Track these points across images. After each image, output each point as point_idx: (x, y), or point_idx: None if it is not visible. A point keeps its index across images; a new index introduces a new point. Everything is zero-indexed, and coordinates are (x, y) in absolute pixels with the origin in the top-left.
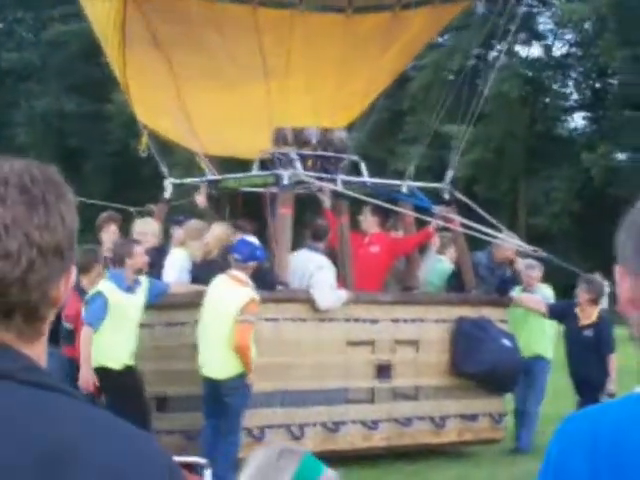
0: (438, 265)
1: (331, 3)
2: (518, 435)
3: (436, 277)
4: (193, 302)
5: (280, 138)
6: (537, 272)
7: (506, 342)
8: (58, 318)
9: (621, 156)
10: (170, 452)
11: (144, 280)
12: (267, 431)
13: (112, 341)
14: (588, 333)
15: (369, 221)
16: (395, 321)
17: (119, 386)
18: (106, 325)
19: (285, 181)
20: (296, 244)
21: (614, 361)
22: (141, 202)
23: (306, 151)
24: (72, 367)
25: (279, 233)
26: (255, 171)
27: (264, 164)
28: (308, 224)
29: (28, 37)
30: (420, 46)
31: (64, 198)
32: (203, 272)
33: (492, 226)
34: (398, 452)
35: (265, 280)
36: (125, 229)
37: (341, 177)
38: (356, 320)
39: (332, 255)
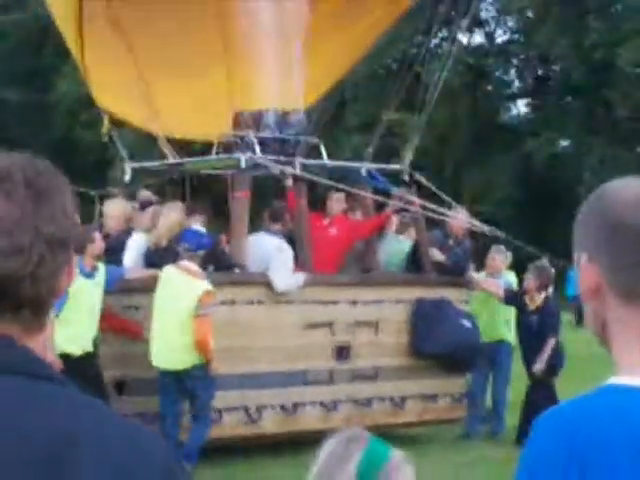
0: (398, 245)
1: None
2: (470, 422)
3: (396, 257)
4: (149, 286)
5: (239, 121)
6: (503, 258)
7: (465, 322)
8: None
9: (564, 143)
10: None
11: (101, 266)
12: (224, 413)
13: (73, 327)
14: (534, 319)
15: (338, 208)
16: (354, 303)
17: (79, 372)
18: (67, 311)
19: (242, 164)
20: (258, 227)
21: (551, 344)
22: (80, 199)
23: (264, 134)
24: None
25: (235, 216)
26: (214, 155)
27: (224, 147)
28: (267, 207)
29: None
30: (386, 26)
31: (65, 190)
32: (155, 259)
33: (449, 207)
34: None
35: (221, 262)
36: (86, 212)
37: (299, 160)
38: (314, 302)
39: (291, 237)
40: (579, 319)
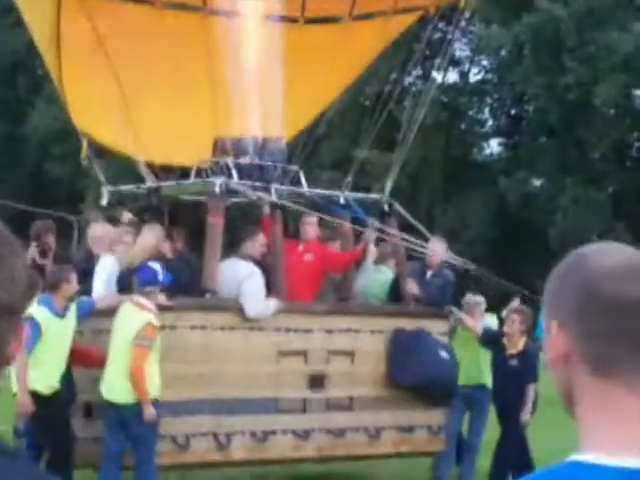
0: (378, 276)
1: (284, 14)
2: (442, 465)
3: (377, 288)
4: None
5: (219, 147)
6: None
7: (443, 354)
8: None
9: (537, 182)
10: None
11: (72, 305)
12: (192, 439)
13: (43, 366)
14: (514, 362)
15: (312, 232)
16: (329, 331)
17: (47, 412)
18: (37, 350)
19: (216, 189)
20: (233, 253)
21: (532, 391)
22: (58, 224)
23: (243, 160)
24: None
25: (209, 242)
26: (192, 180)
27: (202, 173)
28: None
29: None
30: (370, 58)
31: (15, 252)
32: (128, 281)
33: (426, 240)
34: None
35: (193, 288)
36: (65, 237)
37: (275, 186)
38: (288, 330)
39: (263, 263)
40: None
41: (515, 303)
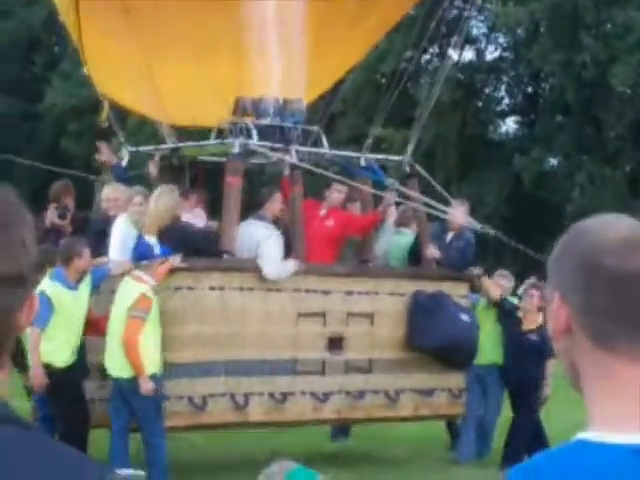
0: (399, 238)
1: None
2: (460, 443)
3: (397, 250)
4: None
5: (239, 108)
6: (507, 282)
7: (463, 316)
8: None
9: (553, 161)
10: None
11: (85, 276)
12: (209, 400)
13: (57, 340)
14: (533, 337)
15: (337, 198)
16: (348, 293)
17: (62, 385)
18: (51, 324)
19: (236, 149)
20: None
21: (552, 367)
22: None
23: (263, 121)
24: None
25: (226, 202)
26: (212, 140)
27: (222, 134)
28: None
29: None
30: (395, 20)
31: (24, 222)
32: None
33: (446, 202)
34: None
35: (210, 249)
36: (84, 199)
37: (295, 147)
38: (307, 291)
39: (282, 225)
40: None
41: (531, 280)
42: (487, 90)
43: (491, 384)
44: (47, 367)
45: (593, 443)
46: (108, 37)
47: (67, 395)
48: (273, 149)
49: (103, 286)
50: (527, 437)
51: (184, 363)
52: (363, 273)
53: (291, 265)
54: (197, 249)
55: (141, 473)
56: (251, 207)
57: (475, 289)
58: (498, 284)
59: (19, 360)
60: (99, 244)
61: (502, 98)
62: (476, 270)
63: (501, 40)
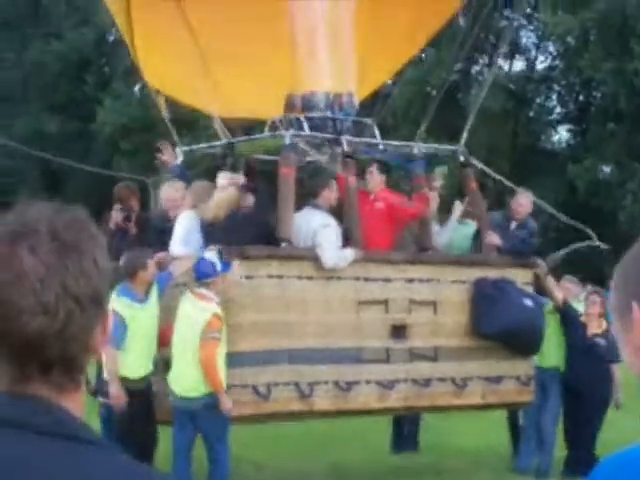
0: (462, 228)
1: None
2: (519, 452)
3: (460, 240)
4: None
5: (290, 104)
6: (574, 287)
7: (528, 302)
8: None
9: (605, 169)
10: None
11: (153, 288)
12: (273, 389)
13: (132, 354)
14: (601, 342)
15: (375, 180)
16: (410, 281)
17: (135, 398)
18: (128, 341)
19: (287, 141)
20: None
21: (618, 370)
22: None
23: (314, 113)
24: None
25: (281, 192)
26: (264, 134)
27: (275, 129)
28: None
29: (9, 57)
30: (449, 15)
31: (96, 242)
32: (218, 233)
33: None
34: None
35: (268, 238)
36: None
37: (346, 137)
38: (367, 279)
39: (336, 214)
40: None
41: (589, 287)
42: (538, 100)
43: (552, 392)
44: (124, 381)
45: None
46: (161, 32)
47: (140, 410)
48: (325, 140)
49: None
50: (591, 443)
51: (246, 352)
52: (423, 260)
53: (350, 253)
54: (259, 238)
55: None
56: (306, 198)
57: (541, 291)
58: (564, 287)
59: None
60: (160, 243)
61: (553, 107)
62: (541, 262)
63: (551, 49)
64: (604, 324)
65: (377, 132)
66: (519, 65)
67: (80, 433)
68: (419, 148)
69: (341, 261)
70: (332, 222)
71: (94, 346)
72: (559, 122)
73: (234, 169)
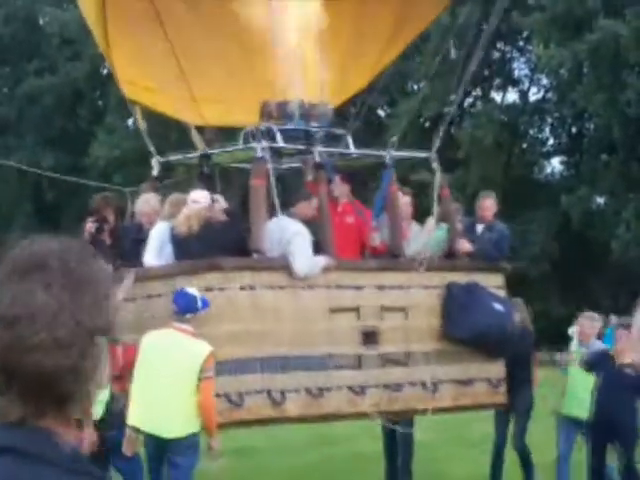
0: (437, 233)
1: None
2: None
3: (435, 244)
4: (169, 274)
5: (265, 112)
6: (596, 325)
7: (497, 306)
8: None
9: (599, 199)
10: None
11: None
12: (246, 397)
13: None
14: (631, 372)
15: (340, 189)
16: (381, 288)
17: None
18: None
19: (258, 153)
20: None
21: None
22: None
23: (288, 124)
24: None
25: (252, 204)
26: (236, 146)
27: (248, 138)
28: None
29: (3, 91)
30: (427, 24)
31: (105, 275)
32: (191, 246)
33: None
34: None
35: (240, 248)
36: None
37: (318, 148)
38: (339, 287)
39: (308, 224)
40: None
41: (614, 318)
42: (531, 131)
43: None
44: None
45: None
46: (138, 41)
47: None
48: (297, 151)
49: (137, 292)
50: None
51: (219, 361)
52: (394, 267)
53: (322, 261)
54: (232, 249)
55: None
56: (285, 207)
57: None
58: (579, 324)
59: None
60: (134, 254)
61: (547, 139)
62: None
63: (544, 82)
64: (633, 355)
65: (350, 142)
66: (512, 97)
67: (92, 469)
68: (391, 155)
69: (313, 269)
70: (304, 230)
71: (104, 379)
72: (552, 153)
73: (210, 179)
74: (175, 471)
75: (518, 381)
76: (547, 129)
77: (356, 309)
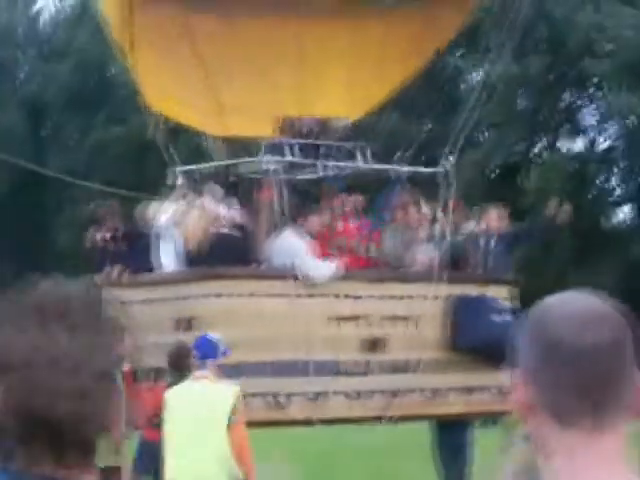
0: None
1: None
2: None
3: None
4: (176, 280)
5: (284, 126)
6: None
7: (496, 318)
8: None
9: None
10: None
11: None
12: (250, 399)
13: None
14: None
15: (348, 202)
16: (383, 297)
17: None
18: None
19: (265, 167)
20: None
21: None
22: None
23: (299, 138)
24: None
25: (259, 215)
26: (245, 159)
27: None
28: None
29: (72, 142)
30: (449, 36)
31: (110, 319)
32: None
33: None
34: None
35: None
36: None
37: (322, 162)
38: (340, 296)
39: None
40: None
41: None
42: (599, 180)
43: None
44: None
45: None
46: (164, 55)
47: None
48: (303, 165)
49: (135, 297)
50: None
51: (229, 365)
52: (397, 278)
53: (333, 266)
54: (240, 259)
55: None
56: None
57: None
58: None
59: None
60: (145, 259)
61: (615, 187)
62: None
63: (612, 129)
64: None
65: (359, 155)
66: (579, 145)
67: None
68: (400, 171)
69: (327, 272)
70: (309, 243)
71: (114, 422)
72: (621, 202)
73: (235, 189)
74: None
75: None
76: (615, 178)
77: (359, 318)
